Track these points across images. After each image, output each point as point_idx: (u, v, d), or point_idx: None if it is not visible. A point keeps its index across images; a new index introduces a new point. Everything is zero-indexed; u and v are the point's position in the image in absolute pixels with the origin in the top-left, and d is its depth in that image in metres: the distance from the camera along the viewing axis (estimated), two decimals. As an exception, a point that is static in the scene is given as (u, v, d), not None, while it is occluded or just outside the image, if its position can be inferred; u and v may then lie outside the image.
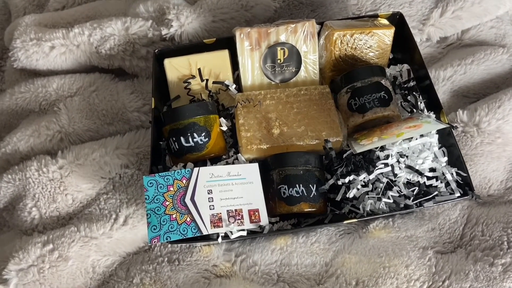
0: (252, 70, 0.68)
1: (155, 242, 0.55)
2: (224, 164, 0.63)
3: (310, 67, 0.68)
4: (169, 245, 0.67)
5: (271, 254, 0.65)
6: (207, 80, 0.68)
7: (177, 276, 0.65)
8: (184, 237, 0.55)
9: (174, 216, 0.56)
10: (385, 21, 0.70)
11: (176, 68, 0.69)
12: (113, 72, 0.82)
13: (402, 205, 0.59)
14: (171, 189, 0.57)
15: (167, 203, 0.56)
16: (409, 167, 0.60)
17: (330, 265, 0.64)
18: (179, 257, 0.67)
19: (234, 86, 0.68)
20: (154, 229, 0.55)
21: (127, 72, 0.82)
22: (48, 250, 0.66)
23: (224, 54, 0.69)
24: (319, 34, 0.69)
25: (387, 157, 0.60)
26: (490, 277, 0.58)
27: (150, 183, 0.57)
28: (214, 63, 0.69)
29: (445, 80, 0.77)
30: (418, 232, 0.65)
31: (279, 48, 0.67)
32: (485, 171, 0.70)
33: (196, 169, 0.58)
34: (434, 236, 0.65)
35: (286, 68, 0.68)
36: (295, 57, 0.67)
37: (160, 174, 0.57)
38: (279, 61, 0.67)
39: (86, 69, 0.83)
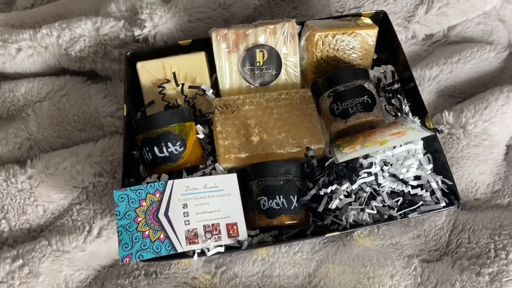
0: (230, 73, 0.64)
1: (126, 261, 0.52)
2: (201, 175, 0.60)
3: (290, 69, 0.65)
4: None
5: (252, 265, 0.62)
6: (182, 84, 0.65)
7: (154, 291, 0.62)
8: (158, 255, 0.52)
9: (147, 233, 0.53)
10: (368, 21, 0.67)
11: (149, 71, 0.65)
12: (85, 75, 0.78)
13: (386, 216, 0.57)
14: (144, 204, 0.54)
15: (140, 219, 0.53)
16: (393, 175, 0.57)
17: (313, 276, 0.62)
18: (156, 270, 0.64)
19: (211, 91, 0.65)
20: (126, 247, 0.52)
21: (99, 74, 0.78)
22: (18, 266, 0.63)
23: (201, 56, 0.66)
24: (299, 34, 0.66)
25: (370, 165, 0.57)
26: (477, 287, 0.57)
27: (121, 198, 0.54)
28: (190, 66, 0.65)
29: (431, 80, 0.75)
30: (403, 239, 0.63)
31: (258, 51, 0.63)
32: (471, 175, 0.68)
33: (170, 182, 0.55)
34: (420, 243, 0.63)
35: (265, 71, 0.65)
36: (275, 59, 0.64)
37: (131, 188, 0.54)
38: (258, 64, 0.64)
39: (56, 72, 0.78)
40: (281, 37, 0.63)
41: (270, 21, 0.64)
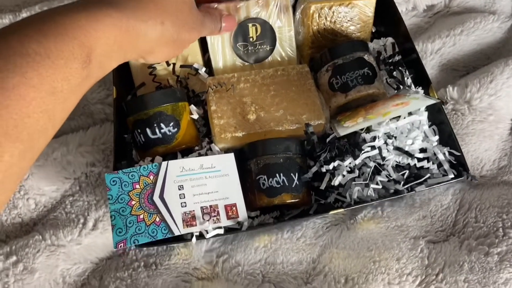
0: (222, 50, 0.62)
1: (121, 246, 0.49)
2: (196, 156, 0.57)
3: (286, 43, 0.62)
4: (145, 248, 0.62)
5: (255, 252, 0.59)
6: (174, 64, 0.62)
7: (155, 282, 0.59)
8: (154, 239, 0.49)
9: (141, 216, 0.50)
10: (365, -9, 0.64)
11: (139, 53, 0.62)
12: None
13: (392, 191, 0.54)
14: (137, 186, 0.51)
15: (133, 202, 0.50)
16: (398, 148, 0.54)
17: (317, 262, 0.59)
18: (156, 261, 0.61)
19: (204, 69, 0.62)
20: (120, 232, 0.49)
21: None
22: (12, 263, 0.60)
23: (192, 35, 0.63)
24: (294, 6, 0.63)
25: (373, 139, 0.54)
26: (486, 268, 0.53)
27: (113, 181, 0.51)
28: (181, 46, 0.62)
29: (433, 54, 0.72)
30: (408, 220, 0.60)
31: (250, 25, 0.60)
32: (477, 151, 0.65)
33: (164, 163, 0.52)
34: (426, 224, 0.60)
35: (259, 47, 0.62)
36: (268, 33, 0.61)
37: (124, 170, 0.51)
38: (251, 39, 0.61)
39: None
40: (274, 10, 0.60)
41: (262, -6, 0.61)
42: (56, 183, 0.66)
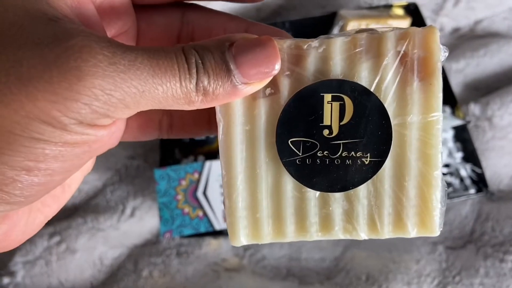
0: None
1: (168, 236, 0.54)
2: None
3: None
4: (178, 238, 0.67)
5: (280, 248, 0.64)
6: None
7: (186, 269, 0.64)
8: (197, 232, 0.54)
9: (186, 210, 0.55)
10: (400, 11, 0.68)
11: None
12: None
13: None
14: (183, 183, 0.56)
15: (179, 197, 0.55)
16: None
17: (339, 260, 0.63)
18: (188, 250, 0.66)
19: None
20: (167, 223, 0.54)
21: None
22: (55, 242, 0.65)
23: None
24: (332, 23, 0.67)
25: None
26: (500, 273, 0.58)
27: (162, 177, 0.56)
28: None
29: (457, 73, 0.76)
30: (428, 226, 0.65)
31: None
32: (496, 166, 0.69)
33: (208, 163, 0.57)
34: (444, 231, 0.65)
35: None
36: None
37: (171, 167, 0.56)
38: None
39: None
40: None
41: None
42: (98, 172, 0.71)
